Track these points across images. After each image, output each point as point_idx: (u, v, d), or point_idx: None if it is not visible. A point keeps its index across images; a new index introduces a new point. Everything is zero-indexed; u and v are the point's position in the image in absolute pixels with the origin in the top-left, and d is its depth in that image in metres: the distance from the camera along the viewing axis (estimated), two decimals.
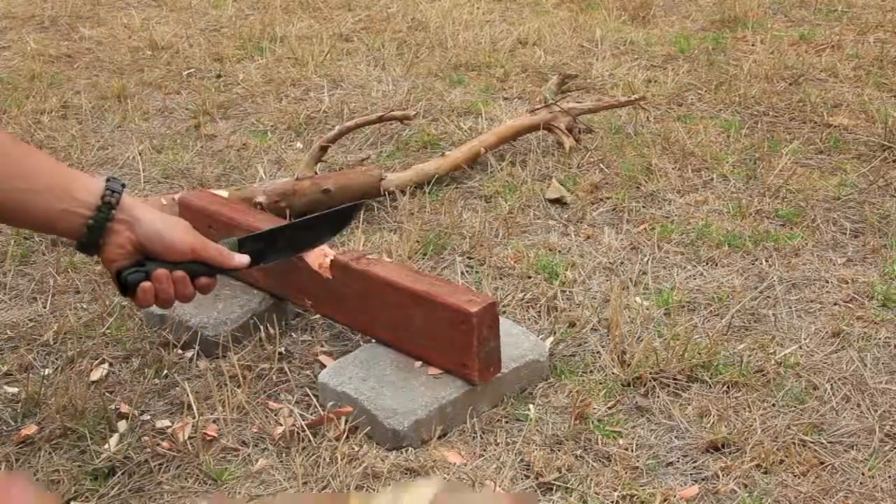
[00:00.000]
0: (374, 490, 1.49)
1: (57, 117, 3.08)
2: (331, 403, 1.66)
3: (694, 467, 1.57)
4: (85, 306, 2.03)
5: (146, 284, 1.34)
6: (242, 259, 1.45)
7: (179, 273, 1.37)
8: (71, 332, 1.93)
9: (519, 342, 1.76)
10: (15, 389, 1.77)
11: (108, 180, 1.30)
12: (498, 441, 1.61)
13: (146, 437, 1.63)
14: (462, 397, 1.63)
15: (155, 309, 1.65)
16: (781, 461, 1.56)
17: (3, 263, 2.20)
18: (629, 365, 1.77)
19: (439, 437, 1.61)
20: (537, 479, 1.53)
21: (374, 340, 1.80)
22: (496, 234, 2.31)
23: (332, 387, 1.66)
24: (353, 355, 1.74)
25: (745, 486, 1.52)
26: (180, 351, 1.86)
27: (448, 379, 1.65)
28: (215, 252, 1.39)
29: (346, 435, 1.60)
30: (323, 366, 1.78)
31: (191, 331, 1.84)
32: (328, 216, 1.66)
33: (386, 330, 1.73)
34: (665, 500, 1.49)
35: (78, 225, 1.29)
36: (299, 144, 2.87)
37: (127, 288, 1.35)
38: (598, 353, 1.83)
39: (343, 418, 1.62)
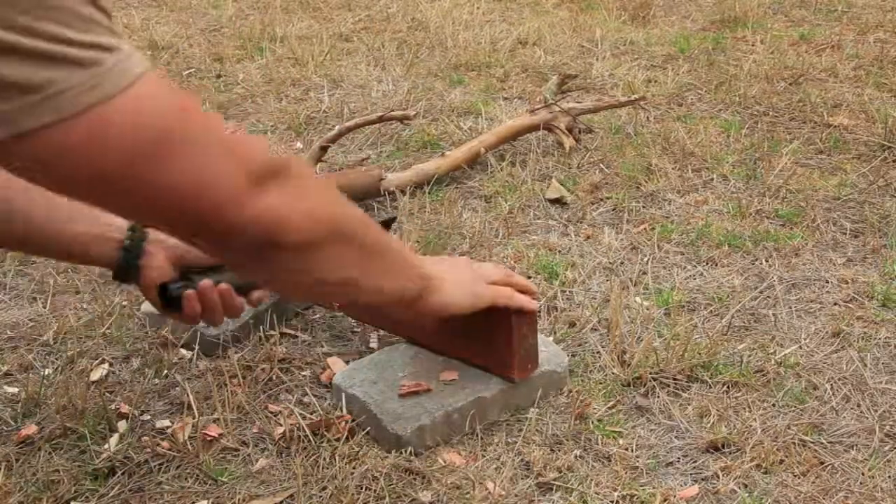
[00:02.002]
0: (372, 490, 1.49)
1: None
2: (326, 403, 1.65)
3: (694, 467, 1.57)
4: (85, 306, 2.03)
5: (191, 292, 1.34)
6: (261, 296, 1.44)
7: (224, 286, 1.36)
8: (71, 332, 1.93)
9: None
10: (15, 389, 1.77)
11: None
12: (498, 441, 1.61)
13: (146, 437, 1.63)
14: (469, 405, 1.61)
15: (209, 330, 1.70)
16: (781, 461, 1.56)
17: (3, 263, 2.20)
18: (629, 365, 1.77)
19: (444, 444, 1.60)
20: (537, 478, 1.53)
21: (378, 335, 1.79)
22: (496, 234, 2.31)
23: (344, 389, 1.66)
24: (370, 358, 1.73)
25: (745, 486, 1.52)
26: (181, 351, 1.86)
27: (458, 386, 1.64)
28: None
29: (346, 436, 1.60)
30: (326, 367, 1.79)
31: (191, 331, 1.84)
32: None
33: (420, 330, 1.72)
34: (665, 500, 1.49)
35: (112, 249, 1.28)
36: (299, 144, 2.87)
37: (171, 302, 1.34)
38: (598, 353, 1.83)
39: (343, 422, 1.62)
